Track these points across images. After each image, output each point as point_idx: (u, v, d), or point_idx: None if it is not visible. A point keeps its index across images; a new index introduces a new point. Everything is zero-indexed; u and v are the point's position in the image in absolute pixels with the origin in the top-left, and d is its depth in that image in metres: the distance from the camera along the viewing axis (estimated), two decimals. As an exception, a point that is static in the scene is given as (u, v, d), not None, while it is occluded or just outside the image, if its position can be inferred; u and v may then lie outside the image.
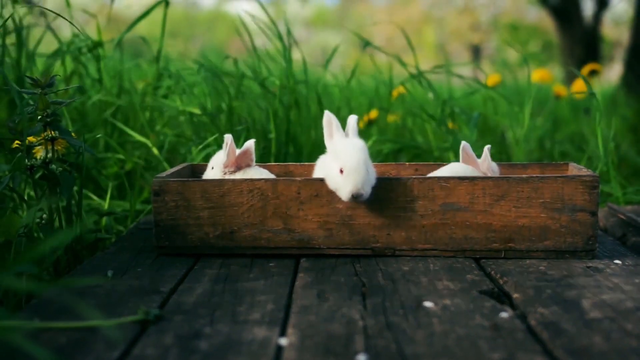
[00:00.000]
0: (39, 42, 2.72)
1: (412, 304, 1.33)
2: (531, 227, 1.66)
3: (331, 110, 2.92)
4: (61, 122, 1.73)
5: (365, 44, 2.98)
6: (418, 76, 3.00)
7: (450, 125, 2.99)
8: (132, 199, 2.27)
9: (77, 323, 1.20)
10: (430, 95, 3.03)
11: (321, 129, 1.96)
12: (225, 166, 1.88)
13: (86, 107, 2.71)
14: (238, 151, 1.88)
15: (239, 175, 1.88)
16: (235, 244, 1.72)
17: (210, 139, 2.46)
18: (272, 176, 1.90)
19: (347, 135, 1.78)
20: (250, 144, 1.92)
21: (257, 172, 1.88)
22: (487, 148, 1.90)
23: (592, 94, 2.32)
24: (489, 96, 3.48)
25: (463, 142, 1.93)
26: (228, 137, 1.86)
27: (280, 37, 2.78)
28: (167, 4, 2.83)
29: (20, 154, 1.66)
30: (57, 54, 2.73)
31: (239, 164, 1.90)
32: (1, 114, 2.27)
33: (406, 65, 3.00)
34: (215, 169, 1.91)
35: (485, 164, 1.89)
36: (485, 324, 1.22)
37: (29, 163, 1.65)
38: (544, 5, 9.58)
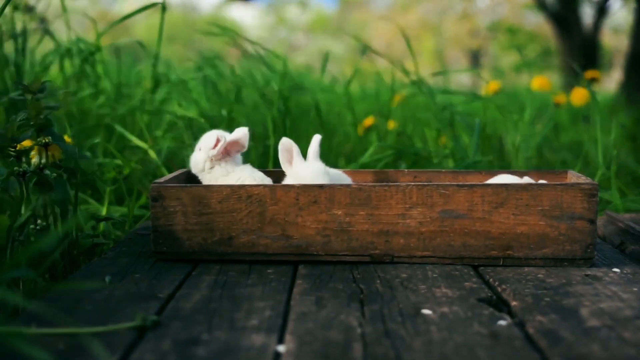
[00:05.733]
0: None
1: (411, 312, 1.32)
2: (530, 235, 1.66)
3: (331, 116, 2.92)
4: (53, 127, 1.72)
5: (365, 48, 2.97)
6: (418, 82, 3.00)
7: (443, 140, 2.99)
8: (130, 204, 2.27)
9: (75, 329, 1.20)
10: (435, 101, 3.03)
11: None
12: (217, 158, 1.89)
13: (84, 111, 2.71)
14: (229, 138, 1.89)
15: (230, 166, 1.89)
16: (233, 250, 1.71)
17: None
18: (267, 178, 1.90)
19: (308, 158, 1.86)
20: (244, 131, 1.92)
21: (250, 174, 1.88)
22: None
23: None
24: (489, 103, 3.48)
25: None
26: (221, 135, 1.87)
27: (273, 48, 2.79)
28: (164, 8, 2.83)
29: (12, 159, 1.66)
30: (55, 57, 2.73)
31: (229, 151, 1.91)
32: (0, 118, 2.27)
33: (408, 72, 3.00)
34: (202, 151, 1.92)
35: None
36: (483, 331, 1.22)
37: (21, 169, 1.64)
38: (543, 12, 9.60)
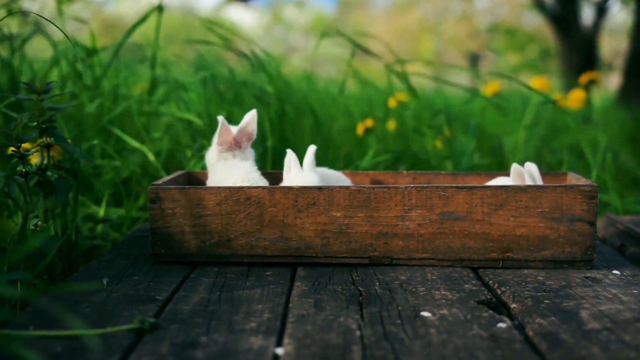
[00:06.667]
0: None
1: (410, 314, 1.32)
2: (529, 237, 1.65)
3: (326, 118, 2.91)
4: (56, 128, 1.72)
5: (363, 50, 2.97)
6: (404, 77, 3.00)
7: (446, 132, 2.98)
8: (128, 206, 2.26)
9: (73, 331, 1.19)
10: (433, 101, 3.02)
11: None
12: (220, 144, 1.88)
13: (82, 113, 2.70)
14: (235, 128, 1.88)
15: (235, 161, 1.88)
16: (231, 252, 1.71)
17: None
18: (263, 180, 1.87)
19: (303, 168, 1.86)
20: (252, 114, 1.91)
21: (245, 174, 1.83)
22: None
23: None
24: (487, 104, 3.48)
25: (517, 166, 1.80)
26: (220, 118, 1.87)
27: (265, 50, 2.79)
28: (160, 10, 2.83)
29: (15, 160, 1.65)
30: (52, 59, 2.73)
31: (239, 142, 1.89)
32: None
33: (406, 72, 3.00)
34: (213, 146, 1.92)
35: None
36: (483, 334, 1.21)
37: (23, 169, 1.63)
38: (542, 12, 9.60)
